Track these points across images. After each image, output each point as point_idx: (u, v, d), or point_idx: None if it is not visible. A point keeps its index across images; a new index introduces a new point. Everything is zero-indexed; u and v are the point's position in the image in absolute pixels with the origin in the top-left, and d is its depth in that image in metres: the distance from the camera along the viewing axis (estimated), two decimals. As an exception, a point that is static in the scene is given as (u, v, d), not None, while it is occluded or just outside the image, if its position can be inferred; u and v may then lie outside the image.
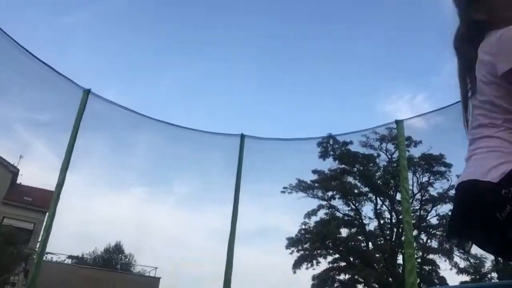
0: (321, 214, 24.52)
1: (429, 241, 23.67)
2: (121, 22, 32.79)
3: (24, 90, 6.81)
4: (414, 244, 6.51)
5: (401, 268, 21.01)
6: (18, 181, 25.67)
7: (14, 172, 24.77)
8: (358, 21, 33.07)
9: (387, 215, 24.33)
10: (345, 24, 34.14)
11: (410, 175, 22.16)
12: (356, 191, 24.15)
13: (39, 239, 5.86)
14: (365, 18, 32.44)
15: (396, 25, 33.52)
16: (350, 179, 24.49)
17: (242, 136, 7.60)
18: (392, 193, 23.77)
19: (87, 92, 6.10)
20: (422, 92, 36.27)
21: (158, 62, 34.17)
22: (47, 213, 6.04)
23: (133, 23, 33.25)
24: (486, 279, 21.79)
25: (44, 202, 22.25)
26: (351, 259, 23.84)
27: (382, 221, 24.25)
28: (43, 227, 5.94)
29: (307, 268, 24.04)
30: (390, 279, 21.99)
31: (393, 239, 23.25)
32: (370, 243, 24.11)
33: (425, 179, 23.55)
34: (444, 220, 22.91)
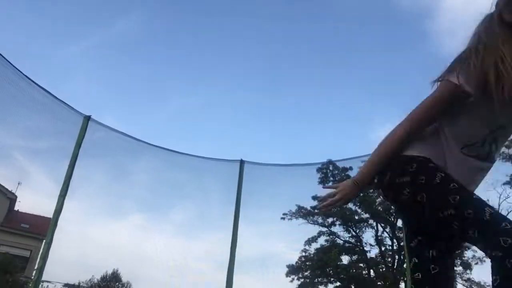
0: (322, 241, 24.28)
1: (431, 268, 23.33)
2: (122, 51, 33.31)
3: (24, 117, 6.83)
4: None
5: (404, 296, 20.63)
6: (15, 208, 25.50)
7: (12, 199, 24.64)
8: (352, 50, 33.63)
9: (388, 241, 24.06)
10: (341, 53, 34.69)
11: (410, 201, 21.97)
12: (356, 217, 23.94)
13: (36, 267, 5.77)
14: (359, 47, 32.98)
15: (386, 54, 34.03)
16: (350, 205, 24.30)
17: (242, 162, 7.58)
18: (392, 219, 23.56)
19: (87, 118, 6.12)
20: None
21: (158, 89, 34.53)
22: (44, 240, 5.97)
23: (134, 52, 33.76)
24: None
25: (41, 229, 22.03)
26: (353, 287, 23.42)
27: (383, 248, 23.96)
28: (39, 255, 5.84)
29: (308, 297, 23.59)
30: (392, 308, 21.56)
31: (395, 267, 22.90)
32: (371, 271, 23.74)
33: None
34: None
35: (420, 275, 1.62)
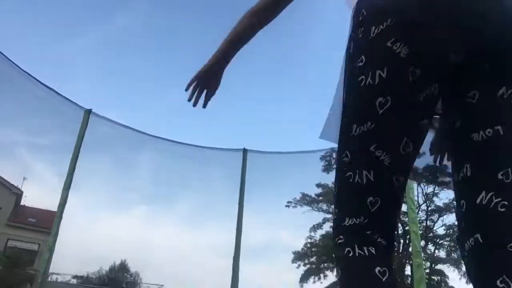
0: (327, 227, 24.35)
1: (436, 251, 23.46)
2: (121, 46, 33.22)
3: (26, 113, 6.85)
4: (422, 254, 6.42)
5: (410, 279, 20.74)
6: (22, 203, 25.69)
7: (18, 194, 24.81)
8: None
9: (393, 226, 24.12)
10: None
11: (414, 185, 22.00)
12: (361, 202, 23.97)
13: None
14: None
15: None
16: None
17: (245, 151, 7.56)
18: (397, 203, 23.59)
19: (88, 112, 6.11)
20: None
21: (158, 81, 34.51)
22: (50, 233, 6.03)
23: (133, 46, 33.70)
24: None
25: (48, 223, 22.19)
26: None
27: (388, 233, 24.04)
28: (46, 247, 5.91)
29: (314, 282, 23.82)
30: (398, 291, 21.74)
31: (401, 251, 23.01)
32: (377, 255, 23.85)
33: (430, 189, 23.42)
34: (451, 230, 22.72)
35: None
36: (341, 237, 1.06)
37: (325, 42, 34.65)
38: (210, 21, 33.46)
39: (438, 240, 23.36)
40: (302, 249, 24.07)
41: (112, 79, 33.58)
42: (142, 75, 34.58)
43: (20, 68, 5.79)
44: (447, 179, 22.75)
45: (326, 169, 23.44)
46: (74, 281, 27.36)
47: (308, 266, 24.02)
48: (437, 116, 1.19)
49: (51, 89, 6.05)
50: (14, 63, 5.72)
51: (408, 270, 21.88)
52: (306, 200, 23.75)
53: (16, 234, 23.18)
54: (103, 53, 33.10)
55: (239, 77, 34.48)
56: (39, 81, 5.96)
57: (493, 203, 0.94)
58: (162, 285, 24.72)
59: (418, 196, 22.95)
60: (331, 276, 23.73)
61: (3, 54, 5.62)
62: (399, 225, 23.44)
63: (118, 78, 33.85)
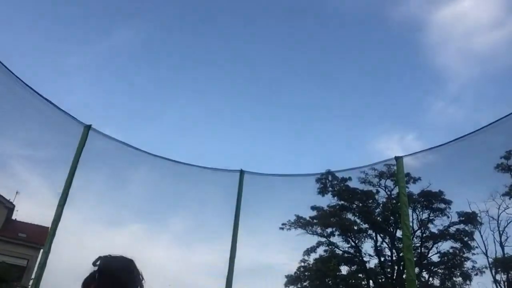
0: (321, 251, 24.17)
1: (430, 279, 23.21)
2: (123, 61, 33.49)
3: (25, 126, 6.84)
4: (416, 282, 6.38)
5: (403, 307, 20.50)
6: (13, 217, 25.39)
7: (10, 208, 24.55)
8: (344, 63, 33.79)
9: (387, 252, 23.95)
10: (334, 66, 34.88)
11: (410, 211, 21.93)
12: (355, 227, 23.85)
13: (33, 276, 5.75)
14: (351, 60, 33.20)
15: (380, 67, 34.24)
16: (349, 215, 24.25)
17: (242, 172, 7.57)
18: (392, 230, 23.48)
19: (88, 127, 6.12)
20: (411, 132, 36.59)
21: (159, 99, 34.66)
22: (42, 250, 5.95)
23: (135, 62, 33.97)
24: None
25: (38, 239, 21.93)
26: (352, 298, 23.28)
27: (382, 259, 23.83)
28: (37, 264, 5.81)
29: (307, 307, 23.43)
30: (392, 319, 21.41)
31: (395, 277, 22.78)
32: (371, 281, 23.60)
33: (425, 216, 23.35)
34: (445, 258, 22.57)
35: None
36: None
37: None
38: (210, 39, 33.86)
39: (432, 268, 23.16)
40: (295, 272, 23.80)
41: (112, 94, 33.70)
42: (143, 92, 34.76)
43: (22, 81, 5.80)
44: (442, 205, 22.78)
45: (321, 191, 23.48)
46: (63, 299, 26.83)
47: (300, 290, 23.70)
48: None
49: (51, 103, 6.07)
50: (15, 75, 5.73)
51: (401, 298, 21.65)
52: (300, 223, 23.61)
53: (5, 248, 22.83)
54: (105, 68, 33.34)
55: (239, 99, 34.69)
56: (40, 95, 5.98)
57: None
58: (152, 306, 24.24)
59: (413, 223, 22.86)
60: (324, 301, 23.41)
61: (4, 65, 5.63)
62: (394, 251, 23.28)
63: (119, 94, 33.99)
